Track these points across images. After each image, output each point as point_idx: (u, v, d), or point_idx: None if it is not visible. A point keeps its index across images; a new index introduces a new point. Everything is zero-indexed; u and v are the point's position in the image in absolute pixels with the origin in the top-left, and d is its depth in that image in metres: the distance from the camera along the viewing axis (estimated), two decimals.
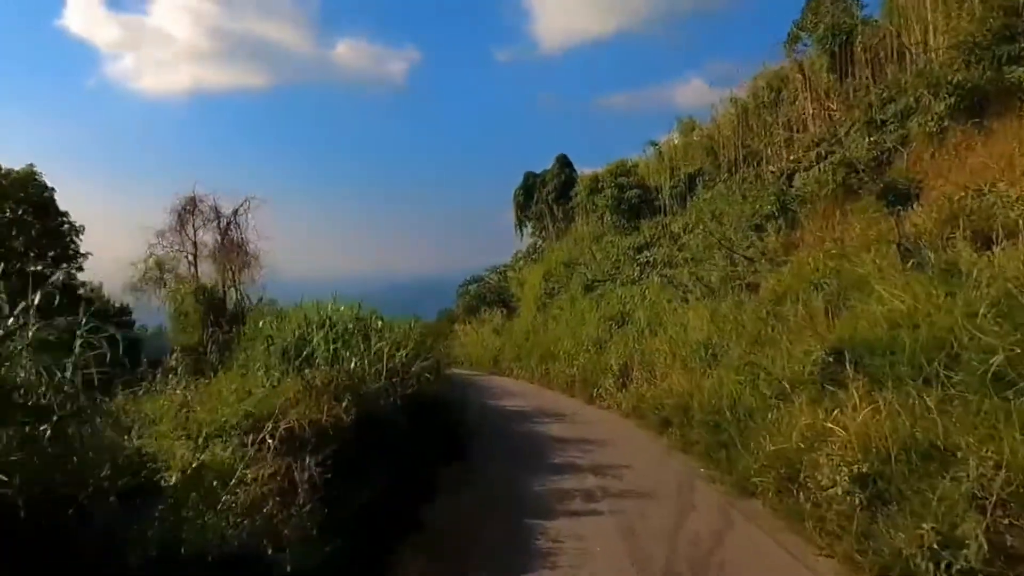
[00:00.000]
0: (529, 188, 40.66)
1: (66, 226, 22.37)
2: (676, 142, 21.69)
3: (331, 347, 6.96)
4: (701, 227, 16.07)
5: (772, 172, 14.52)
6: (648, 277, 16.64)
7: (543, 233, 38.75)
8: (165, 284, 24.57)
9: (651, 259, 16.95)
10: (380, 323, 8.85)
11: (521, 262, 36.12)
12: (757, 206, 13.54)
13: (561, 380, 16.19)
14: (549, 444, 9.57)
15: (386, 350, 7.31)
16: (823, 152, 11.88)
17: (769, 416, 7.22)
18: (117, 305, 23.05)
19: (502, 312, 29.02)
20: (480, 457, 8.55)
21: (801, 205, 12.45)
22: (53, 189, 22.28)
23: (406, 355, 7.80)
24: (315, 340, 7.01)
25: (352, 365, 6.50)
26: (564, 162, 39.99)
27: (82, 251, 22.71)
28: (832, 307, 9.03)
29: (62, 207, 23.57)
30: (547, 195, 39.06)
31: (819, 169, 11.70)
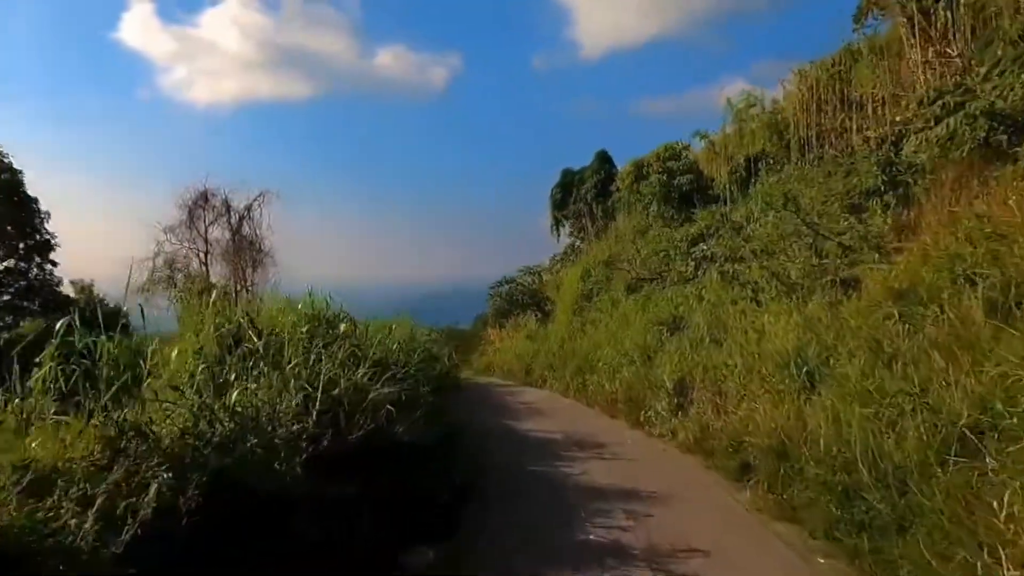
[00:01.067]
0: (567, 186, 37.74)
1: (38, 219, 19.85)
2: (729, 129, 18.53)
3: (210, 370, 4.18)
4: (772, 214, 12.97)
5: (871, 139, 11.33)
6: (705, 274, 13.59)
7: (581, 233, 35.76)
8: (175, 284, 22.52)
9: (708, 253, 13.88)
10: (351, 327, 6.13)
11: (558, 264, 33.24)
12: (854, 182, 10.41)
13: (601, 397, 13.26)
14: (583, 499, 6.65)
15: (325, 370, 4.54)
16: (949, 104, 8.76)
17: (952, 481, 4.25)
18: (113, 306, 20.71)
19: (536, 316, 26.15)
20: (477, 530, 5.64)
21: (918, 176, 9.30)
22: (20, 171, 19.75)
23: (364, 376, 5.01)
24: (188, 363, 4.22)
25: (239, 399, 3.77)
26: (604, 158, 36.97)
27: (52, 241, 20.10)
28: (1001, 309, 5.99)
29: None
30: (586, 193, 36.09)
31: (946, 126, 8.59)
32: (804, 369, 7.62)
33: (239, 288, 22.32)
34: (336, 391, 4.52)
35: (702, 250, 14.10)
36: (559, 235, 37.73)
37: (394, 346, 6.98)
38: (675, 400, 10.11)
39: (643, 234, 18.46)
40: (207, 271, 22.47)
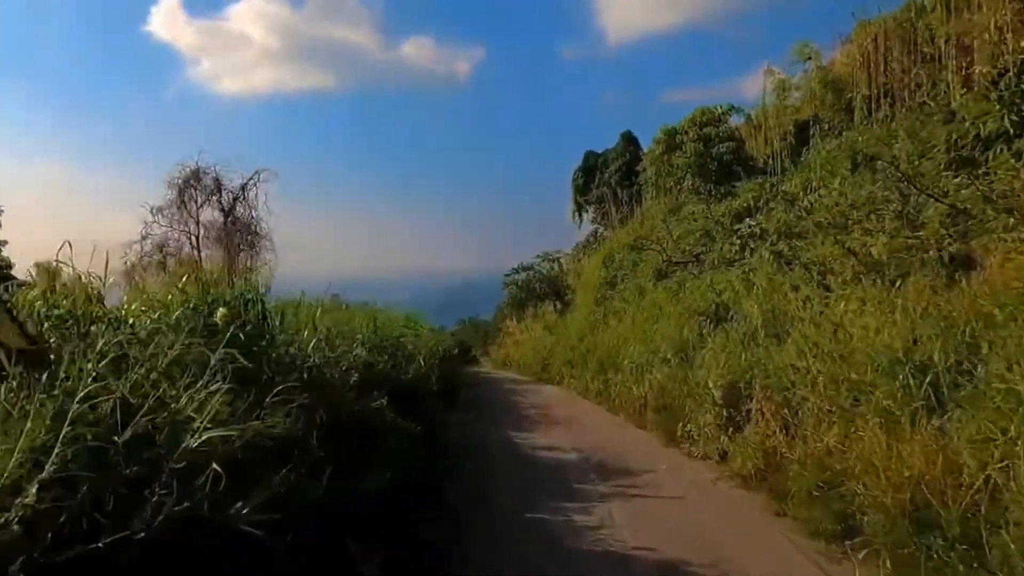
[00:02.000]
0: (589, 170, 35.11)
1: None
2: (772, 99, 15.83)
3: None
4: (839, 180, 10.39)
5: (979, 77, 8.69)
6: (754, 254, 11.07)
7: (604, 219, 33.21)
8: (166, 269, 20.53)
9: (756, 230, 11.34)
10: (228, 315, 3.86)
11: (580, 253, 30.74)
12: (965, 128, 7.83)
13: (627, 401, 10.85)
14: None
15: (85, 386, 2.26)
16: None
17: None
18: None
19: (555, 306, 23.76)
20: None
21: None
22: None
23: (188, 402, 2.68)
24: None
25: None
26: (629, 140, 34.27)
27: None
28: None
29: None
30: (609, 177, 33.44)
31: None
32: (927, 379, 5.14)
33: (234, 274, 20.28)
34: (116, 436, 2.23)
35: (749, 227, 11.55)
36: (581, 222, 35.22)
37: (314, 344, 4.63)
38: (724, 412, 7.66)
39: (675, 212, 15.92)
40: (199, 255, 20.41)
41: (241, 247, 20.56)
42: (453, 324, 77.41)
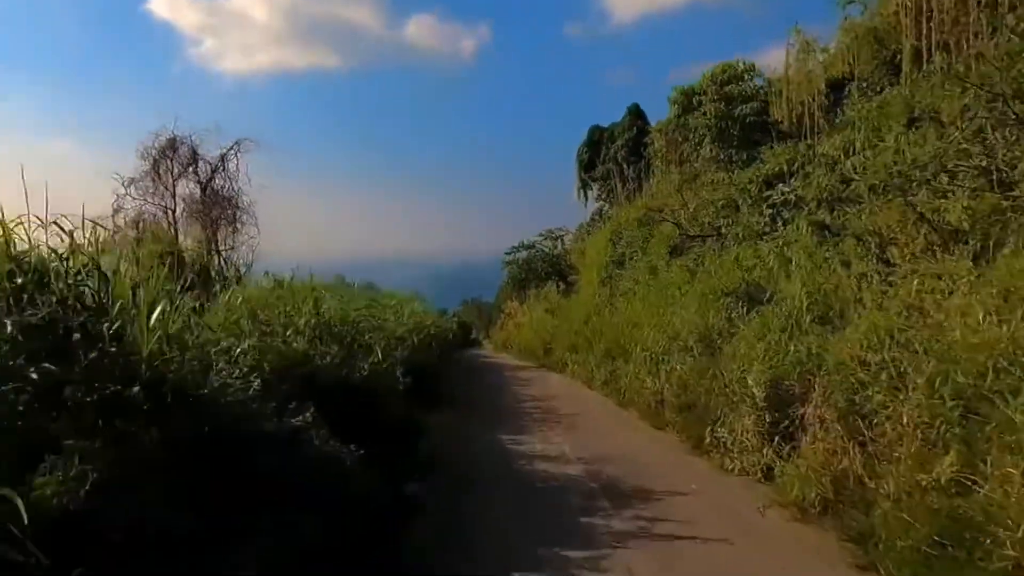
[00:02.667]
0: (595, 145, 33.21)
1: None
2: (797, 59, 13.97)
3: None
4: (895, 137, 8.66)
5: None
6: (790, 225, 9.38)
7: (610, 197, 31.44)
8: (140, 245, 18.93)
9: (791, 197, 9.65)
10: None
11: (586, 231, 29.01)
12: None
13: (639, 396, 9.24)
14: None
15: None
16: None
17: None
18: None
19: (558, 287, 22.13)
20: None
21: None
22: None
23: None
24: None
25: None
26: (636, 114, 32.34)
27: None
28: None
29: None
30: (615, 152, 31.56)
31: None
32: None
33: (214, 251, 18.68)
34: None
35: (782, 193, 9.84)
36: (586, 200, 33.43)
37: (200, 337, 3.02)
38: (767, 417, 6.04)
39: (692, 182, 14.18)
40: (175, 231, 18.79)
41: (221, 221, 18.92)
42: (457, 306, 75.87)
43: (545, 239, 22.69)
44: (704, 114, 12.78)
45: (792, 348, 6.32)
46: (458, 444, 7.15)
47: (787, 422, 5.90)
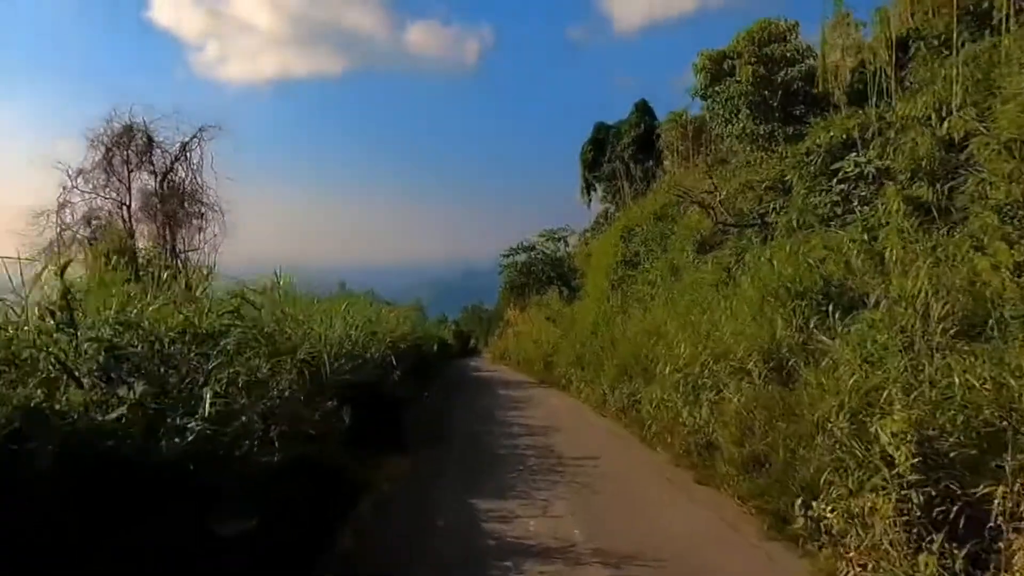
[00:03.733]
0: (600, 143, 30.74)
1: None
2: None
3: None
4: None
5: None
6: (872, 206, 6.88)
7: (616, 197, 29.00)
8: (92, 244, 16.51)
9: (870, 170, 7.15)
10: None
11: (590, 234, 26.52)
12: None
13: (673, 432, 6.71)
14: None
15: None
16: None
17: None
18: None
19: (560, 293, 19.64)
20: None
21: None
22: None
23: None
24: None
25: None
26: (644, 110, 29.93)
27: None
28: None
29: None
30: (622, 150, 29.16)
31: None
32: None
33: (175, 251, 16.23)
34: None
35: (856, 164, 7.34)
36: (590, 201, 30.95)
37: None
38: (917, 498, 3.51)
39: (719, 166, 11.70)
40: (131, 229, 16.35)
41: (181, 219, 16.48)
42: (457, 313, 73.33)
43: (547, 240, 20.17)
44: (739, 81, 10.29)
45: (944, 378, 3.82)
46: (409, 520, 4.65)
47: (956, 507, 3.40)
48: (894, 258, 5.81)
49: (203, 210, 16.62)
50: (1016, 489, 3.20)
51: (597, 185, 30.94)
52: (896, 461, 3.58)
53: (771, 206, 8.92)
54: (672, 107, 19.31)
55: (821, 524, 4.04)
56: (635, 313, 11.34)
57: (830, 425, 4.27)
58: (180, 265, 16.42)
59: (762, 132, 10.36)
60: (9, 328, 2.64)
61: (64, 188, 16.04)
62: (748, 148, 10.90)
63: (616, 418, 9.08)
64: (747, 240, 9.20)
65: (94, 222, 16.68)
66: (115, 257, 12.70)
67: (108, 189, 16.48)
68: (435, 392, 11.59)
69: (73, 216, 16.38)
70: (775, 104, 10.43)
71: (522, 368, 18.95)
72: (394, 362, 6.92)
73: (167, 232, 16.45)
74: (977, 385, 3.69)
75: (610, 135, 30.28)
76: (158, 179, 16.04)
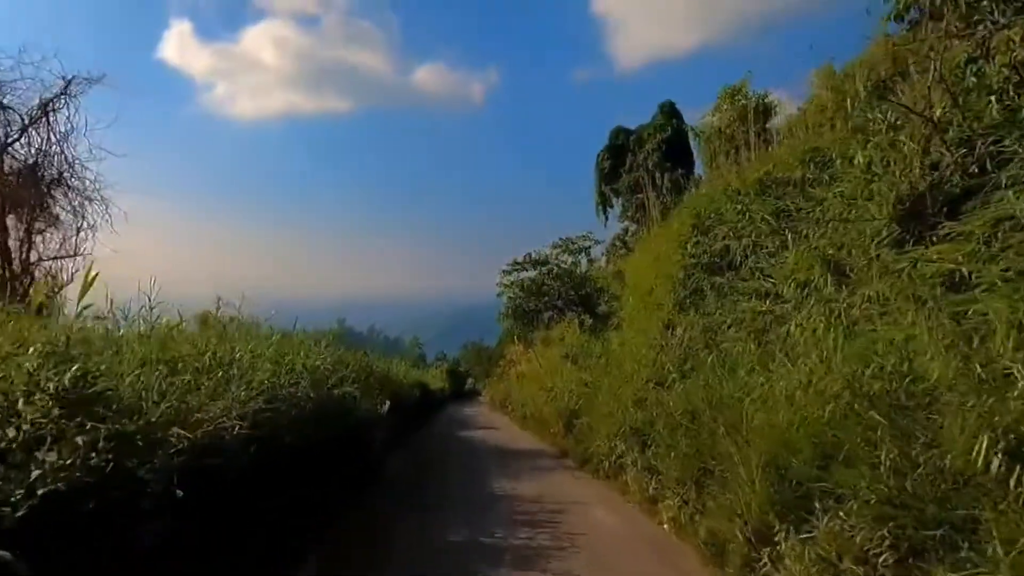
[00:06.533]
0: (618, 149, 25.51)
1: None
2: None
3: None
4: None
5: None
6: None
7: (639, 214, 23.62)
8: None
9: None
10: None
11: (604, 259, 20.99)
12: None
13: None
14: None
15: None
16: None
17: None
18: None
19: (581, 322, 14.01)
20: None
21: None
22: None
23: None
24: None
25: None
26: (671, 112, 24.83)
27: None
28: None
29: None
30: (645, 158, 23.96)
31: None
32: None
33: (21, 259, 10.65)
34: None
35: None
36: (607, 218, 25.54)
37: None
38: None
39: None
40: None
41: (40, 210, 10.96)
42: (457, 350, 67.01)
43: (563, 252, 14.49)
44: None
45: None
46: None
47: None
48: None
49: (77, 200, 11.16)
50: None
51: (615, 200, 25.65)
52: None
53: None
54: None
55: None
56: (747, 357, 5.74)
57: None
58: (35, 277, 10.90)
59: None
60: None
61: None
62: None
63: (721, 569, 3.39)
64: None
65: None
66: None
67: None
68: (397, 478, 5.88)
69: None
70: None
71: (530, 426, 13.19)
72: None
73: (27, 229, 10.92)
74: None
75: (630, 141, 25.10)
76: None
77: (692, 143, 21.98)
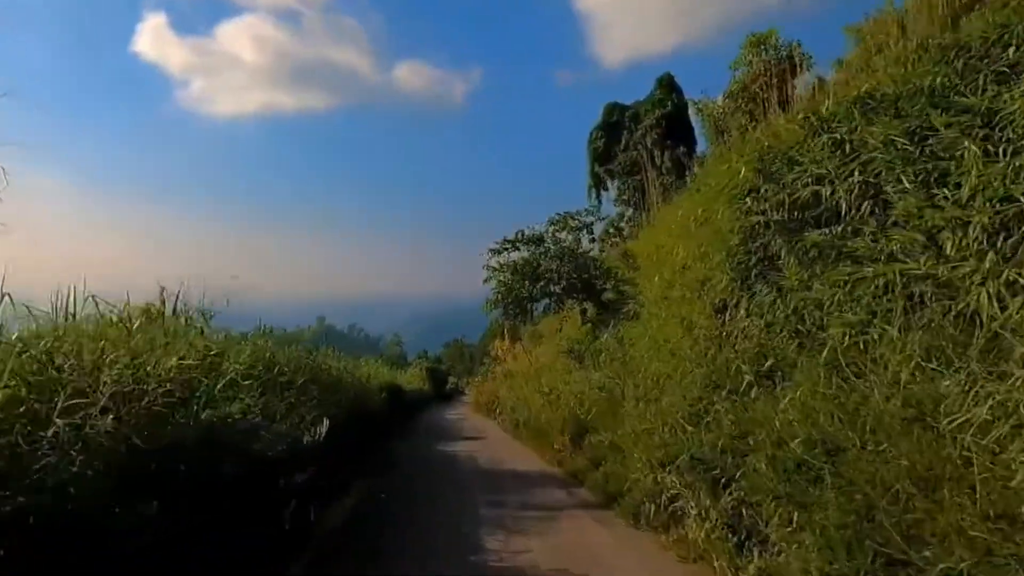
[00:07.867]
0: (614, 127, 23.19)
1: None
2: None
3: None
4: None
5: None
6: None
7: (636, 197, 21.28)
8: None
9: None
10: None
11: (597, 247, 18.60)
12: None
13: None
14: None
15: None
16: None
17: None
18: None
19: (584, 312, 11.62)
20: None
21: None
22: None
23: None
24: None
25: None
26: (669, 86, 22.52)
27: None
28: None
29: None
30: (644, 135, 21.64)
31: None
32: None
33: None
34: None
35: None
36: (600, 201, 23.17)
37: None
38: None
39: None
40: None
41: None
42: (439, 348, 64.34)
43: (561, 230, 12.08)
44: None
45: None
46: None
47: None
48: None
49: None
50: None
51: (610, 182, 23.29)
52: None
53: None
54: None
55: None
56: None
57: None
58: None
59: None
60: None
61: None
62: None
63: None
64: None
65: None
66: None
67: None
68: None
69: None
70: None
71: (525, 437, 10.77)
72: None
73: None
74: None
75: (626, 118, 22.75)
76: None
77: (693, 119, 19.65)
